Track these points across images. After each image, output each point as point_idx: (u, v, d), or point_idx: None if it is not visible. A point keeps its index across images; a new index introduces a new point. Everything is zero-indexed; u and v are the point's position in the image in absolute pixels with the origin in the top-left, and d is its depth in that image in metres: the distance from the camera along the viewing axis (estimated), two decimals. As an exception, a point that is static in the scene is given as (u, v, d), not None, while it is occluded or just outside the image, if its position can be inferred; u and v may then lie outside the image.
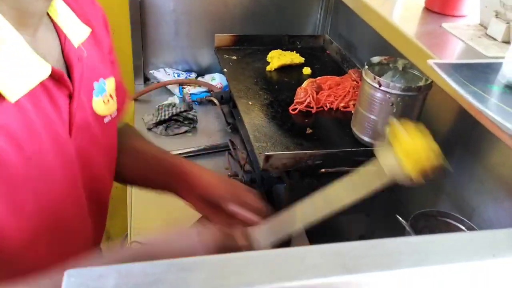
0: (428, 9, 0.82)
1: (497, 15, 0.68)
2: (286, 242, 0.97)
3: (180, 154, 1.33)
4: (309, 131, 1.00)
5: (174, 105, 1.42)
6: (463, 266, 0.35)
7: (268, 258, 0.34)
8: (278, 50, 1.36)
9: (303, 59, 1.35)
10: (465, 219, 0.94)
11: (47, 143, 0.59)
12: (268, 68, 1.29)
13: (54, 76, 0.57)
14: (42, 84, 0.56)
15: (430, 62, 0.55)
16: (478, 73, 0.53)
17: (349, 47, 1.57)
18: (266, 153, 0.86)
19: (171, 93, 1.55)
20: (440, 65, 0.53)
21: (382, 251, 0.35)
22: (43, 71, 0.55)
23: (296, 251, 0.35)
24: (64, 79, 0.59)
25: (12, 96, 0.52)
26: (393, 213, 0.95)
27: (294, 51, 1.37)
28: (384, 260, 0.34)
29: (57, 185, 0.63)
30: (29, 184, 0.58)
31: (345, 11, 1.51)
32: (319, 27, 1.75)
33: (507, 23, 0.65)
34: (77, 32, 0.65)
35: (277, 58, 1.31)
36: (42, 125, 0.58)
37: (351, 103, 1.10)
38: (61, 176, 0.63)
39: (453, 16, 0.78)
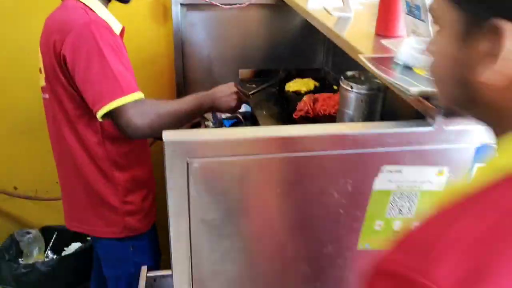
0: (378, 34, 1.22)
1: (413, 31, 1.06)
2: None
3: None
4: (307, 127, 1.38)
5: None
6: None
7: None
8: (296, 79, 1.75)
9: (317, 83, 1.75)
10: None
11: None
12: (286, 88, 1.69)
13: None
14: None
15: (361, 56, 0.94)
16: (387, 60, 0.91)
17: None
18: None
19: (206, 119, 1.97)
20: (366, 58, 0.92)
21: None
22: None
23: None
24: None
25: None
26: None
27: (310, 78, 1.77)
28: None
29: None
30: None
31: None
32: (324, 62, 2.16)
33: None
34: None
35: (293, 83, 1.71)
36: None
37: (339, 109, 1.48)
38: None
39: (393, 36, 1.17)
